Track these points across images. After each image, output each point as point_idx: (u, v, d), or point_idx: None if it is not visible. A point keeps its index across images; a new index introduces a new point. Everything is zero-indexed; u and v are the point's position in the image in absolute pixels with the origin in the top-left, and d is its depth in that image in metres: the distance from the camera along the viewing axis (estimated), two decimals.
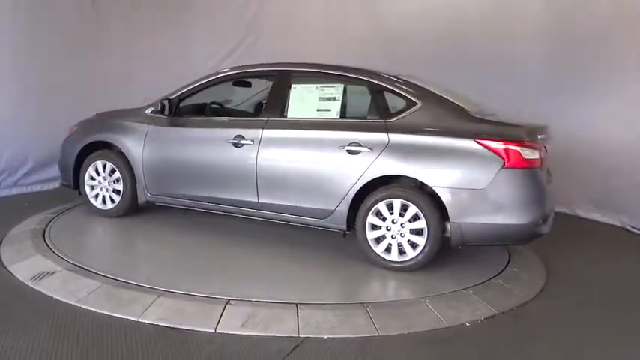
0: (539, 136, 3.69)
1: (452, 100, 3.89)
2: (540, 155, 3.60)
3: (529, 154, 3.49)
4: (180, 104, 4.52)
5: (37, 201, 5.51)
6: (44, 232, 4.24)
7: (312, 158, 3.92)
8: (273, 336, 2.79)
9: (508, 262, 4.07)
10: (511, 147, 3.47)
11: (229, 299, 3.07)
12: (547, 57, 6.12)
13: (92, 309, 2.98)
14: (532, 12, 6.27)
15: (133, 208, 4.77)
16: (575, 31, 5.91)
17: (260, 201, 4.10)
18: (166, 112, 4.43)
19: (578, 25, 5.89)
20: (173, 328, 2.82)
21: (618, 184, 5.66)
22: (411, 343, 2.81)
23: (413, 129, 3.69)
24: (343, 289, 3.58)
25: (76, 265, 3.51)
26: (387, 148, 3.69)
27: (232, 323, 2.87)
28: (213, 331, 2.81)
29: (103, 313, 2.94)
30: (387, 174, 3.69)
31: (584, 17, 5.85)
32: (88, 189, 4.80)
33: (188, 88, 4.52)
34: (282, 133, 4.06)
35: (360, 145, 3.73)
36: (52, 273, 3.40)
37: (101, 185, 4.77)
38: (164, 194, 4.56)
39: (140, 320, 2.88)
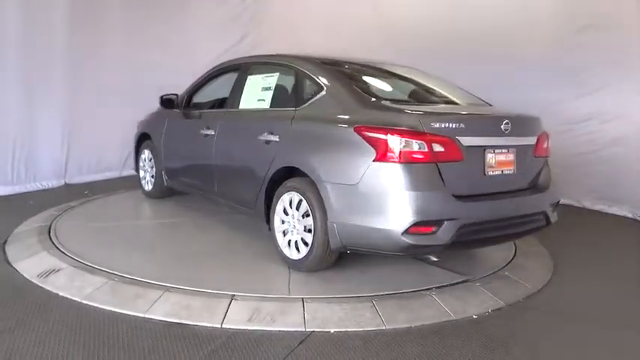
0: (447, 125, 3.04)
1: (372, 85, 3.78)
2: (431, 149, 2.96)
3: (410, 146, 2.94)
4: (194, 99, 4.92)
5: (42, 199, 5.53)
6: (49, 229, 4.25)
7: (243, 148, 4.02)
8: (280, 330, 2.78)
9: (515, 254, 4.04)
10: (383, 136, 2.98)
11: (234, 294, 3.06)
12: (552, 47, 6.07)
13: (98, 306, 2.98)
14: (536, 3, 6.23)
15: (162, 191, 5.36)
16: (578, 20, 5.86)
17: (216, 189, 4.35)
18: (170, 106, 4.93)
19: (582, 14, 5.84)
20: (179, 323, 2.81)
21: (627, 175, 5.61)
22: (418, 335, 2.79)
23: (309, 117, 3.50)
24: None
25: (81, 262, 3.51)
26: (289, 137, 3.55)
27: (238, 318, 2.86)
28: (220, 326, 2.80)
29: (110, 310, 2.94)
30: (285, 165, 3.54)
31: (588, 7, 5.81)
32: (141, 172, 5.61)
33: (193, 85, 4.94)
34: (230, 124, 4.24)
35: (272, 134, 3.67)
36: (58, 270, 3.40)
37: (146, 170, 5.53)
38: (174, 179, 5.07)
39: (146, 316, 2.88)
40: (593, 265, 4.11)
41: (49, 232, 4.18)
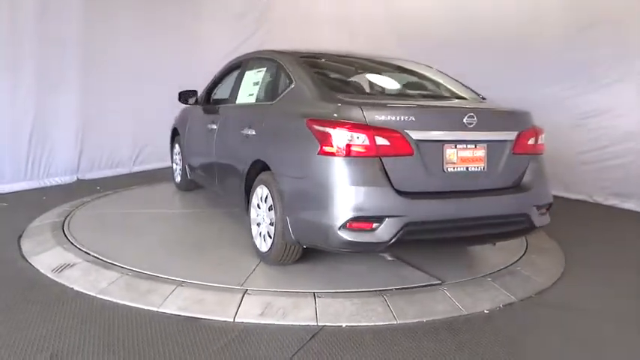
0: (394, 118, 2.91)
1: (339, 78, 3.78)
2: (374, 142, 2.85)
3: (350, 140, 2.84)
4: (212, 95, 5.02)
5: (56, 194, 5.59)
6: (63, 224, 4.30)
7: (231, 142, 4.08)
8: (292, 324, 2.80)
9: (526, 249, 4.03)
10: (326, 129, 2.91)
11: (247, 289, 3.09)
12: (563, 42, 6.02)
13: (112, 300, 3.02)
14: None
15: (188, 183, 5.56)
16: (590, 14, 5.80)
17: (217, 182, 4.45)
18: (192, 102, 5.10)
19: (594, 7, 5.79)
20: (192, 317, 2.84)
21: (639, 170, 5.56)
22: (430, 331, 2.80)
23: (278, 111, 3.52)
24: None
25: (95, 256, 3.56)
26: (262, 131, 3.58)
27: (251, 312, 2.88)
28: (232, 320, 2.82)
29: (124, 304, 2.97)
30: (256, 158, 3.58)
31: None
32: (174, 165, 5.88)
33: (211, 81, 5.08)
34: (226, 119, 4.34)
35: (250, 129, 3.70)
36: (73, 265, 3.45)
37: (177, 163, 5.78)
38: (194, 173, 5.18)
39: (160, 310, 2.91)
40: (606, 261, 4.08)
41: (63, 227, 4.24)
